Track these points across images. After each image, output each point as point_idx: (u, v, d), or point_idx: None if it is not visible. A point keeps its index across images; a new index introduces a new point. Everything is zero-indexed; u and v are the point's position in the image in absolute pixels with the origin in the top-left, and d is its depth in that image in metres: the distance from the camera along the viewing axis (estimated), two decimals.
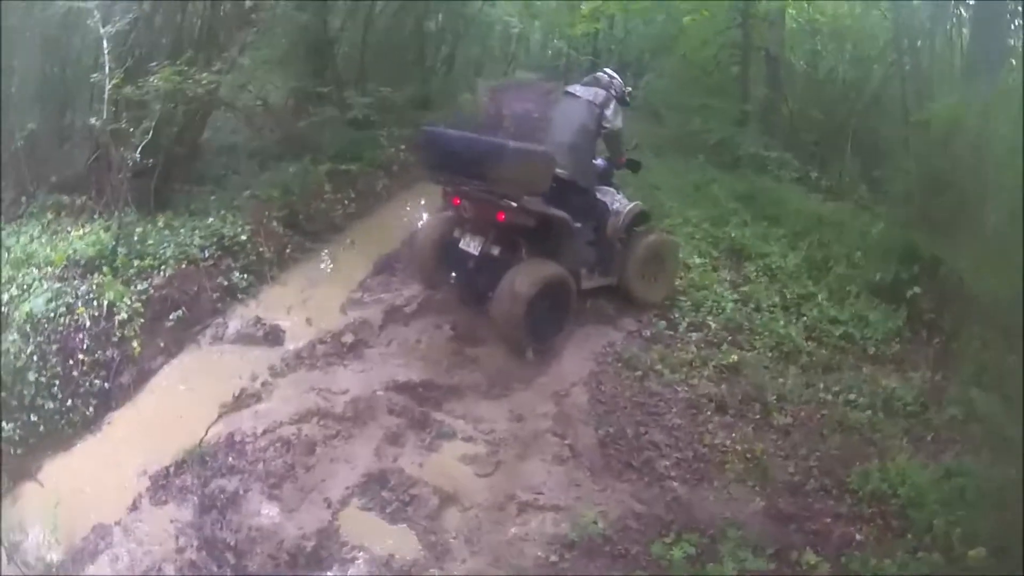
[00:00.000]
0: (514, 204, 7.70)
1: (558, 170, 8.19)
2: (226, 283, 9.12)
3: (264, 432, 6.74)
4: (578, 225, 8.56)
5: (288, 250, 10.33)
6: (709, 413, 8.15)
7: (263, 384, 7.52)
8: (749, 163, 16.06)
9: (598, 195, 9.20)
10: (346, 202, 12.14)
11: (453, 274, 8.50)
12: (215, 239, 9.43)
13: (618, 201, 9.35)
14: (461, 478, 6.71)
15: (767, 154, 16.04)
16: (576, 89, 9.15)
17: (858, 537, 6.69)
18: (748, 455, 7.57)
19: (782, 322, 10.07)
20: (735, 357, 9.09)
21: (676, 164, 16.86)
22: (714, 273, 11.15)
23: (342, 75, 15.39)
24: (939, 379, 9.58)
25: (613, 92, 9.04)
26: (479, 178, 7.58)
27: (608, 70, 9.47)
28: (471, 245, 8.25)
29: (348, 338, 8.30)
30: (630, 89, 9.61)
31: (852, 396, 8.93)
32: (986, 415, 8.72)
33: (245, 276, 9.35)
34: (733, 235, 12.54)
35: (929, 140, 12.15)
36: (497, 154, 7.46)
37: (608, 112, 8.89)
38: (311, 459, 6.58)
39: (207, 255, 9.15)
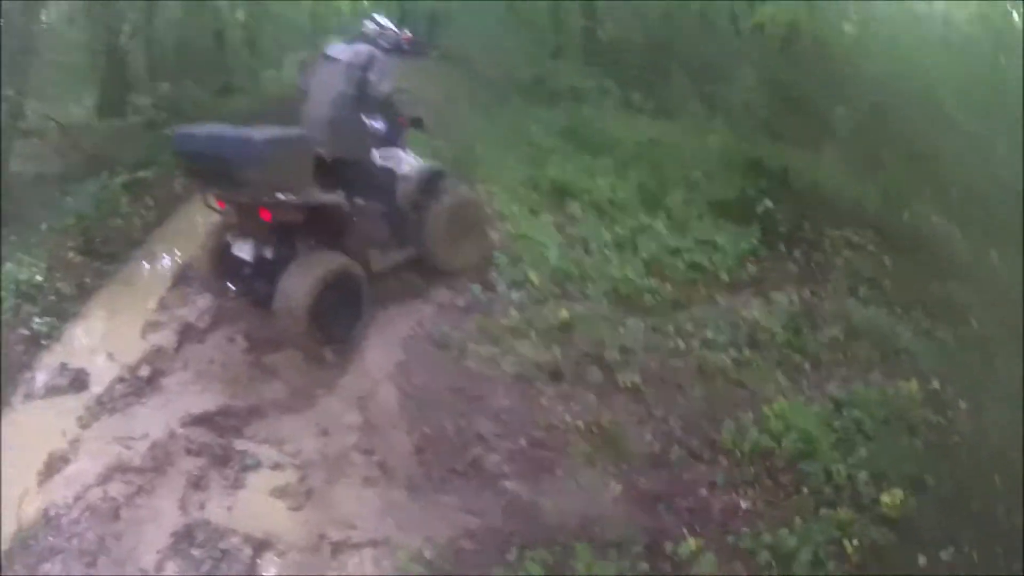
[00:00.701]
0: (279, 199, 6.70)
1: (321, 150, 7.10)
2: (28, 332, 8.10)
3: (75, 500, 5.91)
4: (360, 202, 7.53)
5: (87, 279, 9.08)
6: (541, 385, 6.82)
7: (71, 442, 6.58)
8: (566, 97, 14.35)
9: (382, 162, 7.94)
10: (143, 212, 10.87)
11: (230, 284, 7.47)
12: (12, 287, 8.50)
13: (408, 164, 8.10)
14: (273, 516, 5.82)
15: (583, 84, 14.23)
16: (335, 50, 7.75)
17: (744, 505, 5.81)
18: (594, 429, 6.35)
19: (616, 262, 8.69)
20: (565, 313, 7.69)
21: (491, 109, 15.02)
22: (535, 219, 9.83)
23: (133, 79, 14.42)
24: (808, 296, 8.66)
25: (383, 44, 7.76)
26: (227, 180, 6.60)
27: (378, 17, 8.11)
28: (244, 250, 7.28)
29: (145, 371, 7.23)
30: (409, 35, 8.21)
31: (710, 335, 7.66)
32: (872, 327, 8.03)
33: (46, 320, 8.26)
34: (553, 174, 11.05)
35: (765, 46, 10.76)
36: (241, 151, 6.43)
37: (372, 73, 7.51)
38: (118, 524, 5.72)
39: (6, 306, 8.25)
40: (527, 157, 11.90)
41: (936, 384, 7.39)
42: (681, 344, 7.48)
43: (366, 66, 7.44)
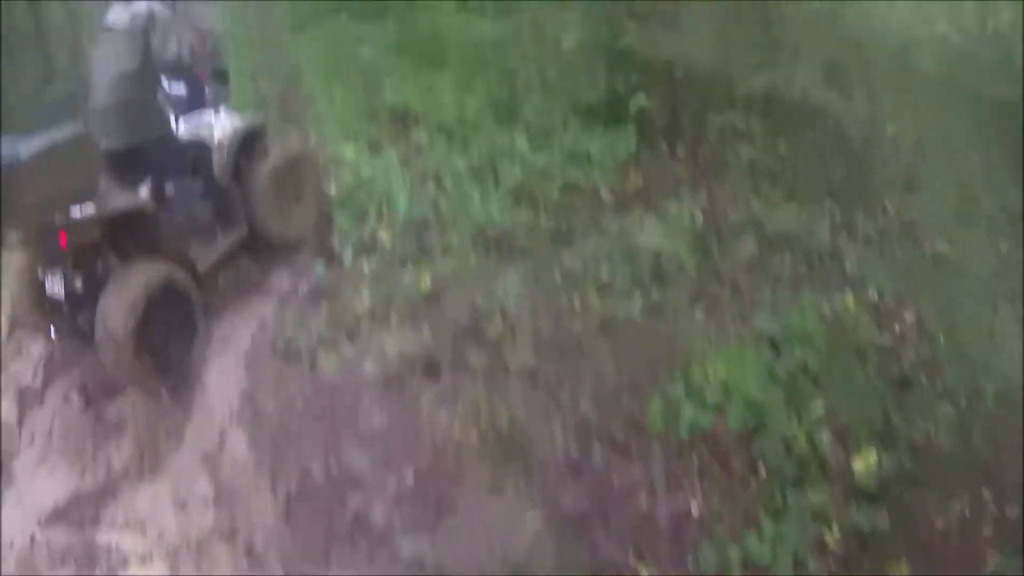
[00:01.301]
0: (72, 218, 5.43)
1: (109, 144, 5.96)
2: None
3: None
4: (170, 191, 6.46)
5: None
6: (415, 387, 5.45)
7: None
8: (396, 7, 12.40)
9: (190, 134, 6.66)
10: None
11: (51, 327, 6.09)
12: None
13: (222, 127, 6.76)
14: None
15: None
16: (113, 16, 6.34)
17: (695, 509, 4.71)
18: (491, 438, 5.03)
19: (477, 197, 7.23)
20: (428, 279, 6.31)
21: (315, 33, 13.08)
22: (376, 158, 8.23)
23: None
24: (707, 203, 7.41)
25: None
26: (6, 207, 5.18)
27: None
28: (55, 287, 5.88)
29: None
30: None
31: (605, 276, 6.34)
32: (787, 233, 6.96)
33: None
34: (390, 99, 9.45)
35: None
36: (9, 172, 5.00)
37: (154, 36, 6.24)
38: None
39: None
40: (360, 83, 10.32)
41: (873, 293, 6.35)
42: (575, 298, 6.12)
43: (146, 29, 6.15)
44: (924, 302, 6.20)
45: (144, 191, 6.07)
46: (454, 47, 10.22)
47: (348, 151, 8.17)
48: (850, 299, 6.10)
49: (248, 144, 6.85)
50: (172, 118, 6.57)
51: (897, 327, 6.06)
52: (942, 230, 7.07)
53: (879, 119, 8.30)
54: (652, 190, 7.51)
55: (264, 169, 6.83)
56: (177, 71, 6.49)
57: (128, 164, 6.05)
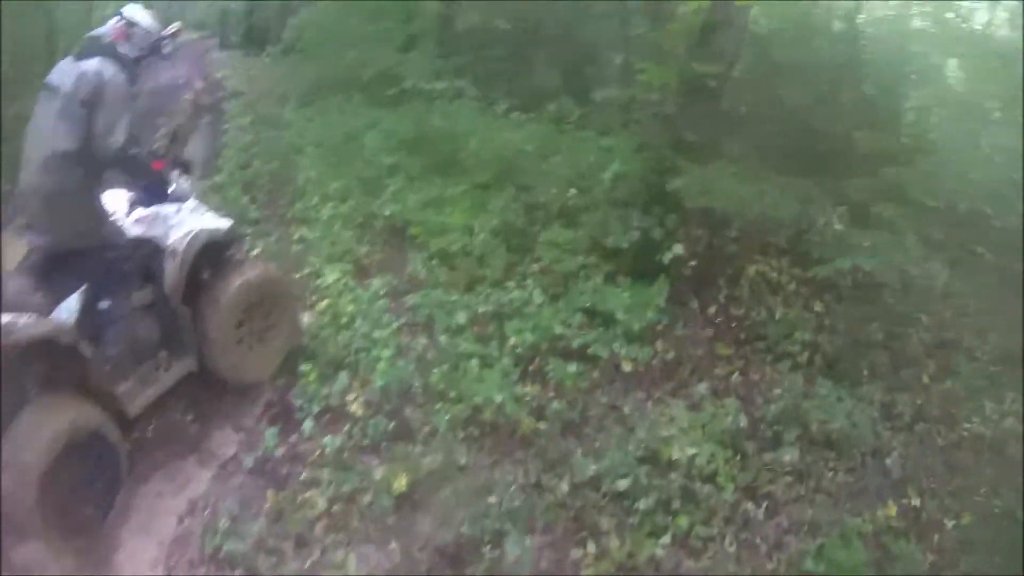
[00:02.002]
0: None
1: (32, 239, 5.00)
2: None
3: None
4: (104, 307, 5.09)
5: None
6: None
7: None
8: (414, 97, 11.31)
9: (139, 231, 5.41)
10: None
11: None
12: None
13: (176, 228, 5.46)
14: None
15: (432, 86, 11.39)
16: (57, 73, 5.02)
17: None
18: None
19: (475, 363, 5.97)
20: (404, 477, 4.98)
21: (327, 113, 12.38)
22: (361, 290, 6.95)
23: None
24: (741, 386, 6.42)
25: (127, 52, 5.06)
26: None
27: (131, 9, 5.18)
28: None
29: None
30: (176, 28, 5.39)
31: (623, 488, 5.12)
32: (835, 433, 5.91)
33: None
34: (389, 212, 8.32)
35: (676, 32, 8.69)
36: None
37: (101, 112, 4.80)
38: None
39: None
40: (358, 182, 9.20)
41: (915, 499, 5.62)
42: (584, 526, 4.90)
43: (92, 99, 4.76)
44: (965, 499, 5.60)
45: (71, 306, 4.85)
46: (471, 150, 9.04)
47: (331, 274, 6.99)
48: (892, 509, 5.43)
49: (212, 253, 5.62)
50: (118, 212, 5.34)
51: (937, 537, 5.36)
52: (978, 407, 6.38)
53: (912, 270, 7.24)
54: (682, 366, 6.40)
55: (227, 289, 5.56)
56: (124, 163, 5.02)
57: (54, 269, 4.95)
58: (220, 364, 5.58)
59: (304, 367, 5.81)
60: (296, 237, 8.05)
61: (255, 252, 7.62)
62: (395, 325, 6.38)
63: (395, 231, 8.07)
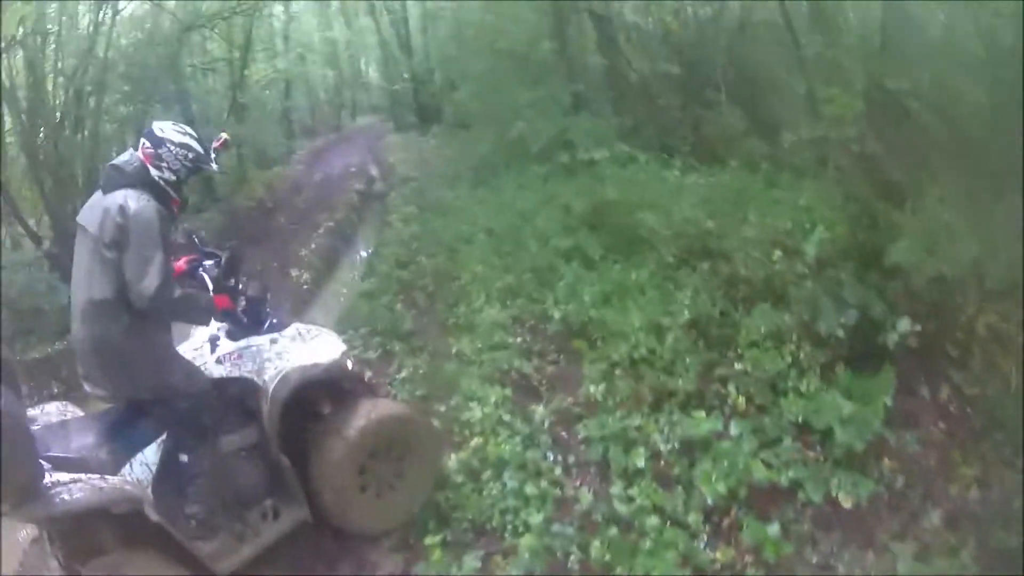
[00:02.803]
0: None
1: (92, 391, 4.29)
2: None
3: None
4: (183, 458, 4.40)
5: None
6: None
7: None
8: (588, 166, 10.61)
9: (220, 371, 4.64)
10: None
11: None
12: None
13: (275, 360, 4.71)
14: None
15: (603, 153, 10.56)
16: (88, 210, 4.37)
17: None
18: None
19: (654, 523, 4.80)
20: None
21: (499, 192, 11.78)
22: (520, 422, 5.86)
23: None
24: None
25: (162, 176, 4.37)
26: None
27: (159, 127, 4.46)
28: None
29: None
30: (223, 138, 4.67)
31: None
32: None
33: None
34: (558, 314, 7.24)
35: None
36: None
37: (131, 252, 4.13)
38: None
39: None
40: (533, 270, 8.26)
41: None
42: None
43: (119, 240, 4.12)
44: None
45: (147, 459, 4.32)
46: (652, 225, 7.87)
47: (484, 403, 5.98)
48: None
49: (320, 389, 4.93)
50: (199, 352, 4.72)
51: None
52: None
53: None
54: (912, 489, 5.02)
55: (346, 432, 4.77)
56: (166, 305, 4.21)
57: (127, 420, 4.39)
58: (336, 514, 4.82)
59: (429, 540, 4.75)
60: (454, 351, 7.07)
61: (402, 375, 6.79)
62: (558, 471, 5.33)
63: (569, 334, 6.98)
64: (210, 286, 4.60)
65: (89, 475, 3.93)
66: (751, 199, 7.87)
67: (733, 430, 5.24)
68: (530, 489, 5.06)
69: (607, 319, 6.75)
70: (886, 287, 5.80)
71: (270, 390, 4.58)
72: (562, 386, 6.28)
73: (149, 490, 4.24)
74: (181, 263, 4.82)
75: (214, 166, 4.54)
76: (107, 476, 4.03)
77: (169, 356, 4.42)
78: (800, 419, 5.26)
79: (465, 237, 10.10)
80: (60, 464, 3.94)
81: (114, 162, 4.38)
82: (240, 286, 4.62)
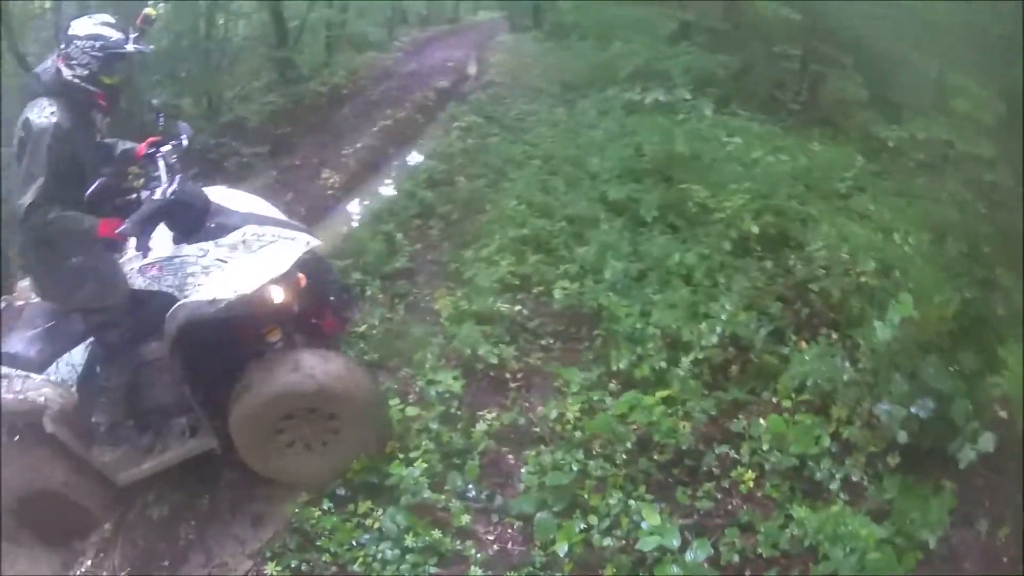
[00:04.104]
0: None
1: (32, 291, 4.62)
2: None
3: None
4: (99, 367, 4.50)
5: None
6: None
7: None
8: (672, 107, 8.78)
9: (141, 282, 4.40)
10: None
11: None
12: None
13: (201, 273, 4.37)
14: None
15: (684, 98, 8.71)
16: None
17: None
18: None
19: None
20: None
21: (575, 114, 10.30)
22: (454, 436, 4.74)
23: None
24: None
25: (74, 75, 4.17)
26: None
27: (78, 22, 4.27)
28: None
29: None
30: (140, 21, 4.32)
31: None
32: None
33: None
34: (560, 293, 5.77)
35: None
36: None
37: (24, 166, 4.11)
38: None
39: None
40: (568, 219, 6.94)
41: None
42: None
43: (19, 154, 4.17)
44: None
45: (73, 360, 4.50)
46: (726, 198, 6.31)
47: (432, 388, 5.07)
48: None
49: (223, 330, 4.51)
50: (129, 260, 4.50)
51: None
52: None
53: None
54: None
55: (255, 389, 4.40)
56: (40, 227, 4.18)
57: (61, 319, 4.54)
58: (254, 464, 4.59)
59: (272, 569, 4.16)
60: (437, 307, 5.86)
61: (360, 328, 5.69)
62: (466, 519, 4.22)
63: (577, 319, 5.62)
64: (163, 171, 4.30)
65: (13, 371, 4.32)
66: (854, 192, 6.35)
67: (690, 555, 3.70)
68: (411, 540, 4.01)
69: (621, 311, 5.27)
70: (979, 384, 4.19)
71: (167, 326, 4.29)
72: (538, 389, 4.95)
73: (73, 390, 4.42)
74: (142, 146, 4.59)
75: (130, 47, 4.17)
76: (31, 374, 4.35)
77: (83, 266, 4.27)
78: (806, 542, 3.74)
79: (517, 161, 8.75)
80: None
81: (35, 70, 4.45)
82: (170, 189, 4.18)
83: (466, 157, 9.28)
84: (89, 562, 4.63)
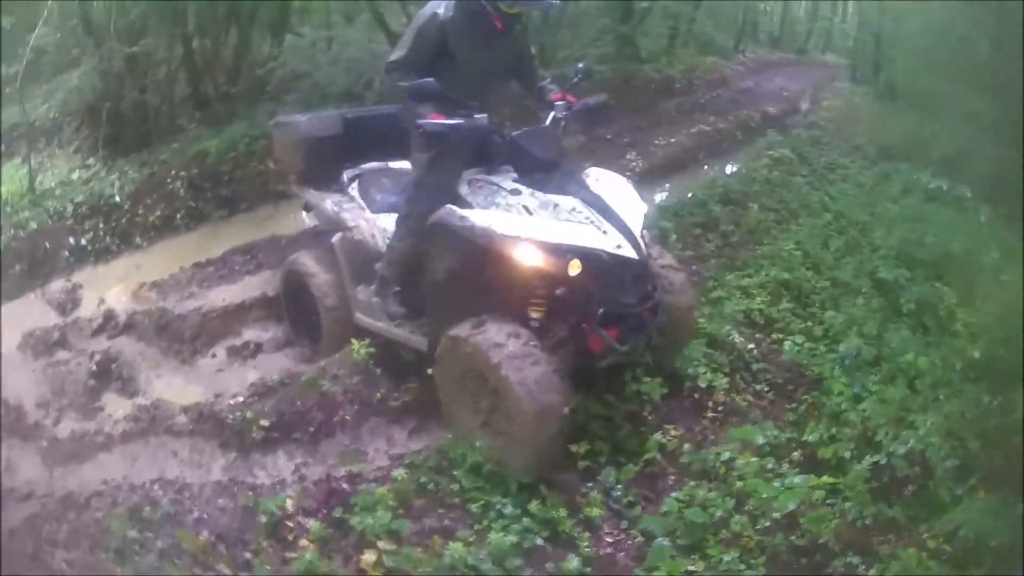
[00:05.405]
0: None
1: None
2: (85, 244, 7.71)
3: None
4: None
5: (180, 216, 8.25)
6: None
7: None
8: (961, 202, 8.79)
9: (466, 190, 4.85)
10: None
11: None
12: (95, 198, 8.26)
13: (505, 208, 4.67)
14: None
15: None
16: None
17: None
18: None
19: None
20: None
21: (880, 183, 10.28)
22: None
23: None
24: None
25: None
26: None
27: None
28: None
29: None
30: None
31: None
32: None
33: (109, 239, 7.87)
34: (825, 370, 5.74)
35: None
36: None
37: None
38: None
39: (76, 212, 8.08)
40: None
41: None
42: None
43: None
44: None
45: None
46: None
47: None
48: None
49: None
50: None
51: None
52: None
53: None
54: None
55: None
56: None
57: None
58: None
59: None
60: None
61: None
62: None
63: (797, 378, 5.66)
64: (548, 119, 4.83)
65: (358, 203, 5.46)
66: None
67: None
68: (535, 507, 4.02)
69: (837, 387, 5.34)
70: None
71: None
72: (729, 427, 4.88)
73: (375, 235, 5.28)
74: (558, 95, 4.96)
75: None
76: (366, 208, 5.40)
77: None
78: None
79: (812, 208, 8.95)
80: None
81: None
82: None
83: (766, 187, 9.42)
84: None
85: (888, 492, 4.29)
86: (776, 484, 4.11)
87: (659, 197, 8.83)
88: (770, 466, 4.33)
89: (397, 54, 4.62)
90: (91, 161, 8.96)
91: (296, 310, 5.89)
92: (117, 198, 8.18)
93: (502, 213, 4.40)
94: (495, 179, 4.64)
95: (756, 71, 18.07)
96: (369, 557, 3.51)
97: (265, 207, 8.29)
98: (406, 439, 4.77)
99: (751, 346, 5.77)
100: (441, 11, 4.51)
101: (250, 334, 6.08)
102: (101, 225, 7.88)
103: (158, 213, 8.08)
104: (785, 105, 14.90)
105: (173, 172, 8.51)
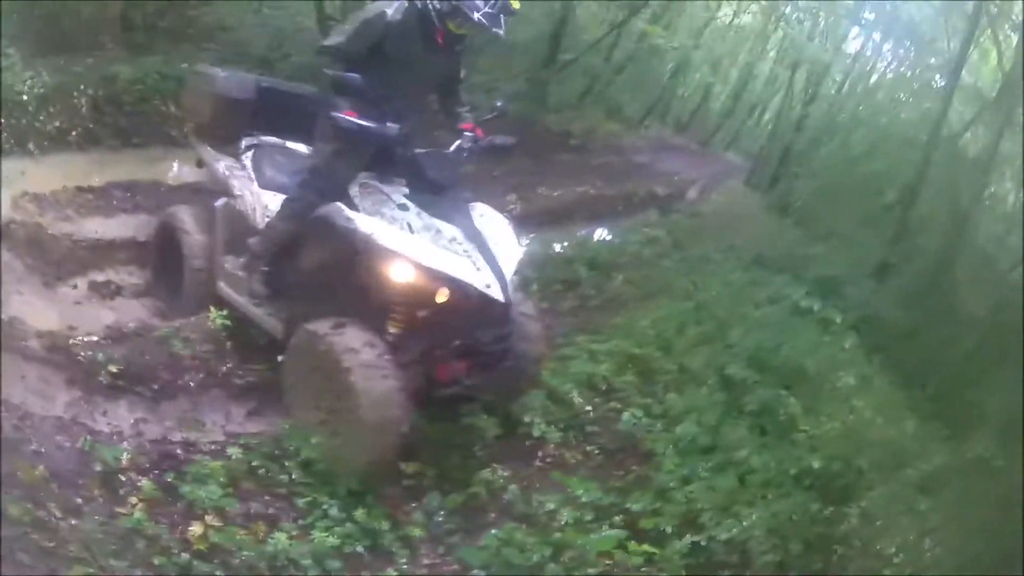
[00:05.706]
0: None
1: None
2: None
3: None
4: None
5: (75, 133, 8.08)
6: None
7: None
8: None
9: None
10: None
11: None
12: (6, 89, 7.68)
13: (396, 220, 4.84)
14: None
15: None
16: None
17: None
18: None
19: None
20: None
21: (749, 290, 9.63)
22: None
23: None
24: None
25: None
26: None
27: None
28: None
29: None
30: None
31: None
32: None
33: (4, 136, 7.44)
34: (659, 447, 5.64)
35: None
36: None
37: None
38: None
39: None
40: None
41: None
42: None
43: None
44: None
45: None
46: None
47: None
48: None
49: None
50: None
51: None
52: None
53: None
54: None
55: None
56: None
57: None
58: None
59: None
60: None
61: None
62: None
63: (632, 451, 5.67)
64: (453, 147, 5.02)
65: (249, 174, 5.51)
66: None
67: None
68: (361, 515, 4.18)
69: (668, 466, 5.27)
70: None
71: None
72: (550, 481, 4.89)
73: (255, 208, 5.35)
74: (469, 124, 5.14)
75: (476, 16, 4.52)
76: (256, 181, 5.47)
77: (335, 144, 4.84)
78: None
79: (680, 291, 8.80)
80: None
81: None
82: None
83: (635, 261, 9.38)
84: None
85: (703, 573, 4.42)
86: (593, 537, 4.26)
87: (529, 245, 8.59)
88: (589, 518, 4.48)
89: (335, 39, 4.83)
90: (11, 51, 8.67)
91: (162, 262, 5.95)
92: (25, 97, 7.97)
93: (387, 225, 4.55)
94: (386, 189, 4.79)
95: (655, 149, 18.26)
96: (197, 529, 3.62)
97: (156, 148, 8.42)
98: (243, 418, 4.90)
99: (588, 408, 5.84)
100: (390, 12, 4.64)
101: (113, 274, 6.19)
102: (2, 120, 7.66)
103: (56, 124, 7.99)
104: (673, 189, 14.96)
105: (81, 87, 8.41)
